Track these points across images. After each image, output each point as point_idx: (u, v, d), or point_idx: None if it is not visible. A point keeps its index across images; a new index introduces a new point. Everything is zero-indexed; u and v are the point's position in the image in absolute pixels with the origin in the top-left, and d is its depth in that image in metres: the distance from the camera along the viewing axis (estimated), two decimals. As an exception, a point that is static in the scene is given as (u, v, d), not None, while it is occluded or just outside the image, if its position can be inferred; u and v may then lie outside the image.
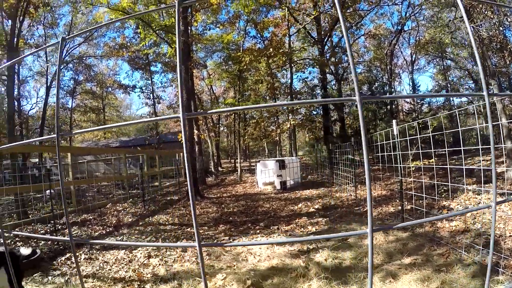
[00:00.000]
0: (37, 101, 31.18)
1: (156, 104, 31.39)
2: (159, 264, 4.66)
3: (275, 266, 4.28)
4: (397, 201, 7.30)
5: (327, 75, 23.49)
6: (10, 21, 13.77)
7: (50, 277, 4.42)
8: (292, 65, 20.80)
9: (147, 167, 12.94)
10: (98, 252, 5.51)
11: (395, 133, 5.85)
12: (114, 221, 8.21)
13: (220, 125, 33.70)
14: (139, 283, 4.02)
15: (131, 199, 11.79)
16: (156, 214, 9.01)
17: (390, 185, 10.91)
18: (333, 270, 3.99)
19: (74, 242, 0.83)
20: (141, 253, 5.21)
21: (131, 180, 15.22)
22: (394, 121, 6.21)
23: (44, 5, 16.99)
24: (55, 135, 0.88)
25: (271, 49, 18.13)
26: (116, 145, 30.73)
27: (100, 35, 28.45)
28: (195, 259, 4.73)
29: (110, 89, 34.34)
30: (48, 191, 11.99)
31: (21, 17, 14.36)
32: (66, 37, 0.95)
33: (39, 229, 7.82)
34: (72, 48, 28.16)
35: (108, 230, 7.43)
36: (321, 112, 22.52)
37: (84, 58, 30.33)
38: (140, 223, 7.75)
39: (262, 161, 14.70)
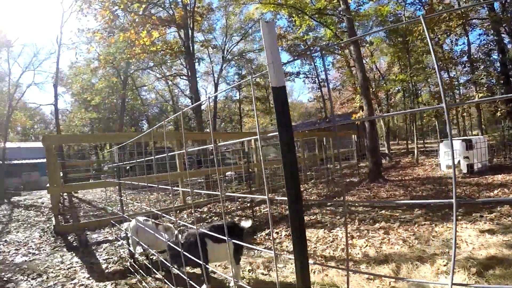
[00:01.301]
0: (207, 97, 36.56)
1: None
2: (366, 245, 4.85)
3: (495, 255, 4.02)
4: None
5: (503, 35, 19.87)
6: (183, 30, 16.38)
7: (255, 251, 4.98)
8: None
9: (324, 150, 13.73)
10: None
11: None
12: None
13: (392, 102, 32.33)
14: (353, 263, 4.29)
15: (312, 180, 12.89)
16: (340, 196, 9.49)
17: None
18: None
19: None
20: (342, 233, 5.56)
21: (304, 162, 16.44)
22: None
23: (208, 11, 19.58)
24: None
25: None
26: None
27: (255, 31, 30.79)
28: (402, 242, 4.81)
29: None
30: (229, 173, 14.30)
31: (191, 25, 16.98)
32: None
33: (229, 206, 9.45)
34: (232, 47, 31.73)
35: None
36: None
37: (244, 54, 33.53)
38: (329, 204, 8.17)
39: (446, 140, 13.56)
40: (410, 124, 31.59)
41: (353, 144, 16.61)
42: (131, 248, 4.88)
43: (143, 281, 4.22)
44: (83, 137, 14.62)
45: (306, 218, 7.15)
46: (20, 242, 6.94)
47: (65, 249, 6.19)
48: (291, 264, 4.41)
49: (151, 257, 4.70)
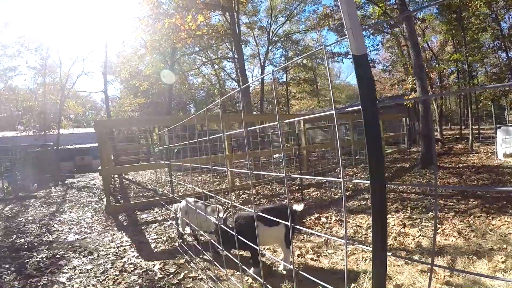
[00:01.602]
0: (253, 79, 36.21)
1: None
2: (419, 235, 4.53)
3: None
4: None
5: None
6: (228, 13, 16.08)
7: (304, 236, 4.83)
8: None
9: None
10: (347, 215, 5.91)
11: None
12: (351, 185, 8.60)
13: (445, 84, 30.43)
14: (406, 253, 4.03)
15: (362, 164, 12.38)
16: (392, 181, 9.11)
17: None
18: None
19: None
20: (394, 221, 5.25)
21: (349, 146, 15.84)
22: None
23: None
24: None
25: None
26: (331, 112, 31.88)
27: (300, 12, 30.05)
28: (457, 234, 4.44)
29: (319, 60, 35.67)
30: (277, 155, 14.07)
31: (236, 7, 16.66)
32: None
33: (277, 188, 9.32)
34: (277, 28, 31.15)
35: (348, 194, 7.81)
36: None
37: (290, 35, 32.79)
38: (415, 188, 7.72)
39: (504, 127, 12.51)
40: (464, 108, 29.55)
41: (404, 127, 15.75)
42: (180, 229, 4.83)
43: (191, 262, 4.12)
44: (131, 120, 14.98)
45: (356, 203, 6.89)
46: (73, 221, 7.19)
47: (115, 229, 6.31)
48: (341, 250, 4.22)
49: (200, 238, 4.57)
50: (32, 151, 18.06)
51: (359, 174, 10.78)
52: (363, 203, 6.83)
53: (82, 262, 4.53)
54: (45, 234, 6.16)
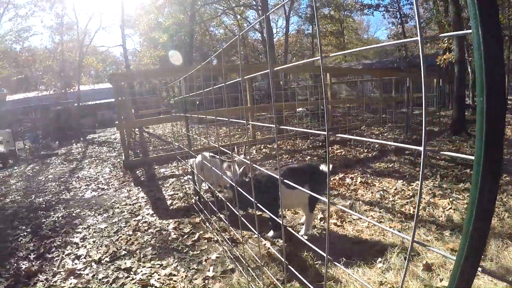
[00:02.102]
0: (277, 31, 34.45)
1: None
2: (449, 207, 4.05)
3: None
4: None
5: None
6: None
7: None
8: None
9: (407, 91, 12.11)
10: (373, 178, 5.48)
11: None
12: (377, 146, 8.14)
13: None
14: (436, 226, 3.54)
15: (390, 124, 11.74)
16: (419, 144, 8.43)
17: None
18: None
19: None
20: (423, 188, 4.74)
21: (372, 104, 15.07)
22: None
23: None
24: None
25: None
26: (360, 67, 30.46)
27: None
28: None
29: (348, 12, 33.54)
30: (300, 109, 13.54)
31: None
32: None
33: (299, 144, 8.93)
34: None
35: (373, 154, 7.43)
36: None
37: None
38: (407, 152, 7.23)
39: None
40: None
41: (434, 89, 14.78)
42: (196, 186, 4.52)
43: (206, 222, 3.86)
44: (148, 72, 14.49)
45: (382, 165, 6.45)
46: (91, 177, 7.07)
47: (132, 184, 6.14)
48: (367, 216, 3.84)
49: (217, 195, 4.25)
50: (53, 109, 18.11)
51: (385, 134, 10.20)
52: (390, 165, 6.38)
53: (97, 221, 4.36)
54: (63, 192, 6.05)
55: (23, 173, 8.33)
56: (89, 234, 3.95)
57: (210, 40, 33.15)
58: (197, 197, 4.62)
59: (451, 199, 4.31)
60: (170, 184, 5.85)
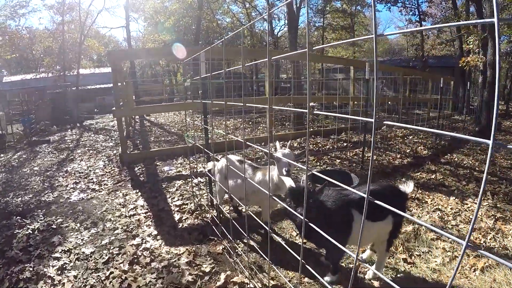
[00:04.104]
0: (285, 23, 33.17)
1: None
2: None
3: None
4: None
5: None
6: None
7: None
8: None
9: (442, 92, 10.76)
10: (421, 192, 4.59)
11: None
12: (409, 151, 7.29)
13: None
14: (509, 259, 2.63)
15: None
16: (446, 154, 7.26)
17: None
18: None
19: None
20: (481, 209, 3.90)
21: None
22: None
23: None
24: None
25: None
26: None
27: None
28: None
29: (359, 7, 32.28)
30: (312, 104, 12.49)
31: None
32: None
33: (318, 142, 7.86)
34: None
35: (408, 161, 6.45)
36: None
37: None
38: (443, 161, 6.40)
39: None
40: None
41: (450, 92, 13.84)
42: (217, 198, 3.39)
43: (231, 251, 2.76)
44: (150, 51, 13.08)
45: (423, 175, 5.41)
46: (82, 173, 5.92)
47: (129, 185, 5.01)
48: (436, 248, 2.96)
49: (248, 213, 3.12)
50: (50, 92, 16.92)
51: (410, 137, 8.95)
52: (432, 176, 5.34)
53: (82, 240, 3.26)
54: (46, 192, 4.91)
55: (7, 162, 7.22)
56: (70, 262, 2.86)
57: (216, 27, 31.98)
58: (216, 212, 3.49)
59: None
60: (177, 189, 4.69)
